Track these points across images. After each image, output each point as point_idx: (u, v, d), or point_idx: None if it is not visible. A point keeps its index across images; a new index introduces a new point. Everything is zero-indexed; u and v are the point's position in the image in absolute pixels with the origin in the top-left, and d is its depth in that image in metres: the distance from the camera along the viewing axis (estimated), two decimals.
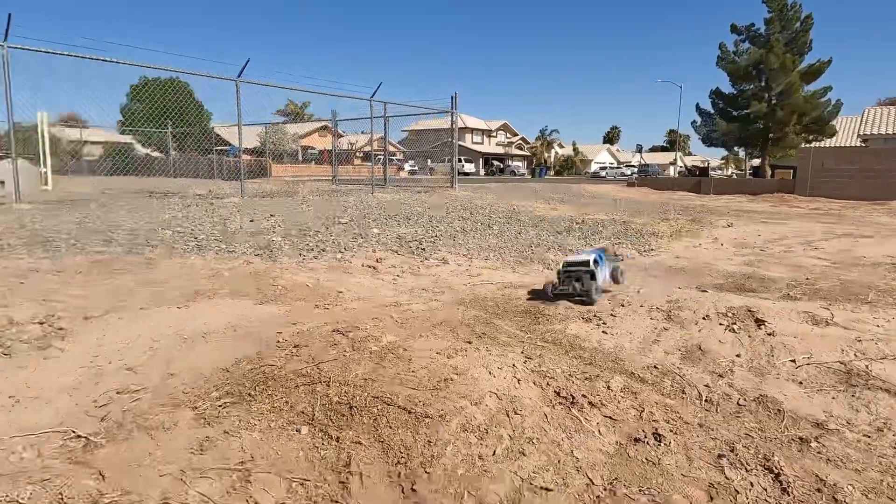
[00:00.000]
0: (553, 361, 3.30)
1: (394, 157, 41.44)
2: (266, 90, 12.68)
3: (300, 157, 40.78)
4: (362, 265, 5.62)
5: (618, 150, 78.36)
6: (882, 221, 13.98)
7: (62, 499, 2.00)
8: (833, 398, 2.93)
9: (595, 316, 4.23)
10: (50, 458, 2.27)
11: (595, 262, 4.55)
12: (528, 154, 64.01)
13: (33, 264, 4.67)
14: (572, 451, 2.36)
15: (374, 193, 13.77)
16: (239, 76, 11.35)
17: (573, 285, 4.49)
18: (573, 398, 2.76)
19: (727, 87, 31.99)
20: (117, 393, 2.74)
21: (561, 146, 66.83)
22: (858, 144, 31.11)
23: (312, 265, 5.36)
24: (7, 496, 1.97)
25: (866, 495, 2.13)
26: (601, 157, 70.23)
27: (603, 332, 3.95)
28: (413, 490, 2.11)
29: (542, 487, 2.11)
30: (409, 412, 2.47)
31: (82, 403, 2.67)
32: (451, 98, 16.17)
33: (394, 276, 5.35)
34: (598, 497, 2.11)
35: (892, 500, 2.12)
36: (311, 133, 47.57)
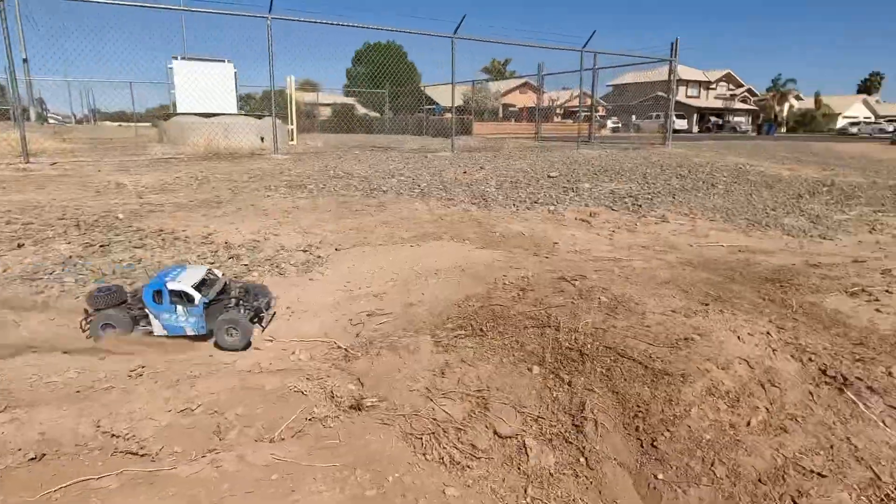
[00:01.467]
0: (811, 336, 2.85)
1: (597, 114, 39.67)
2: (474, 46, 12.88)
3: (500, 115, 41.23)
4: (575, 218, 5.48)
5: (878, 102, 63.93)
6: None
7: (332, 394, 2.32)
8: None
9: (863, 290, 3.54)
10: (320, 361, 2.65)
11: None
12: (756, 108, 55.82)
13: (294, 203, 5.47)
14: (848, 438, 2.01)
15: (579, 150, 13.33)
16: (455, 32, 11.69)
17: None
18: (845, 379, 2.35)
19: None
20: (367, 315, 3.09)
21: (799, 98, 56.90)
22: None
23: (526, 216, 5.38)
24: (293, 386, 2.36)
25: None
26: (853, 109, 58.12)
27: (876, 309, 3.29)
28: (654, 446, 2.00)
29: (811, 471, 1.84)
30: (646, 367, 2.34)
31: (340, 320, 3.06)
32: (672, 45, 14.67)
33: (609, 231, 5.11)
34: (886, 495, 1.77)
35: None
36: (512, 91, 47.69)
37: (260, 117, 12.86)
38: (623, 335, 2.56)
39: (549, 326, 2.72)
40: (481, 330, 2.79)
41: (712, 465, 1.88)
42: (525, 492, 1.89)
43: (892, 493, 1.78)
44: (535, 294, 3.11)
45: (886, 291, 3.50)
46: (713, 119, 50.63)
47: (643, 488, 1.86)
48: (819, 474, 1.82)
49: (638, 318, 2.71)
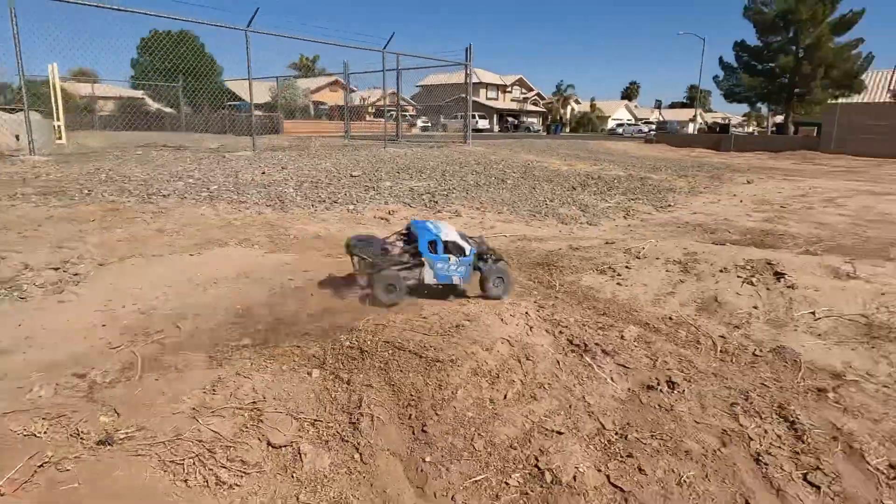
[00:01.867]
0: (566, 311, 3.27)
1: (406, 113, 40.84)
2: (277, 42, 12.39)
3: (311, 113, 40.27)
4: (374, 217, 5.57)
5: (636, 107, 76.34)
6: None
7: (77, 432, 2.03)
8: (853, 350, 2.87)
9: (610, 268, 4.17)
10: (65, 396, 2.30)
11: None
12: (544, 110, 62.65)
13: (48, 212, 4.68)
14: (584, 397, 2.35)
15: (386, 148, 13.59)
16: (248, 25, 11.08)
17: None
18: (586, 346, 2.73)
19: (752, 40, 30.75)
20: (131, 335, 2.77)
21: (577, 102, 65.29)
22: (888, 100, 30.00)
23: (324, 216, 5.32)
24: (24, 430, 2.01)
25: (883, 444, 2.10)
26: (619, 113, 68.57)
27: (617, 283, 3.90)
28: (423, 431, 2.11)
29: (552, 430, 2.10)
30: (421, 357, 2.46)
31: (97, 345, 2.70)
32: (466, 50, 15.71)
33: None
34: (609, 441, 2.10)
35: None
36: (322, 88, 46.88)
37: (13, 111, 10.77)
38: (401, 329, 2.66)
39: (332, 327, 2.72)
40: (262, 339, 2.68)
41: (472, 440, 2.04)
42: (297, 499, 1.86)
43: (614, 438, 2.12)
44: (320, 297, 3.09)
45: (626, 267, 4.16)
46: (510, 120, 55.56)
47: (412, 472, 1.96)
48: (558, 432, 2.08)
49: (416, 311, 2.84)
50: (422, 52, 16.18)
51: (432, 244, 2.86)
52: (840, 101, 28.41)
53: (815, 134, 24.62)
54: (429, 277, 2.93)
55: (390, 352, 2.50)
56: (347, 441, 2.10)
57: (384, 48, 14.38)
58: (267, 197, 5.92)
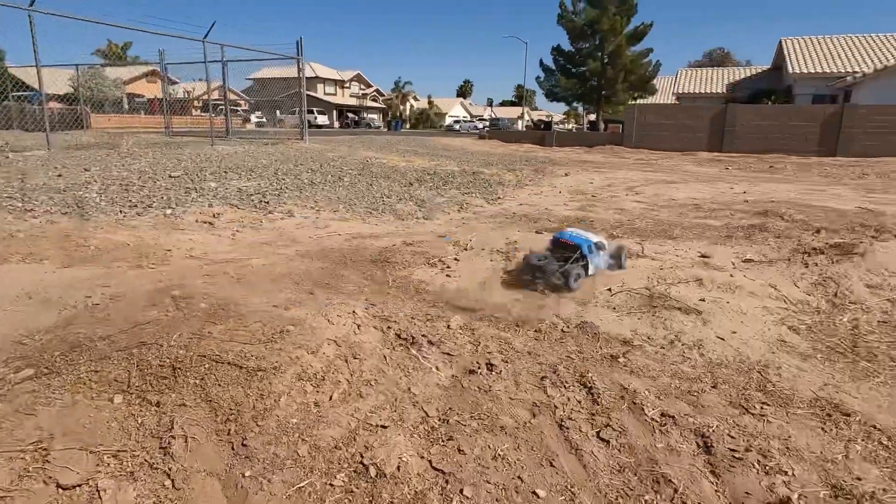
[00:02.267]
0: (397, 306, 3.34)
1: (238, 108, 38.39)
2: (77, 26, 10.81)
3: (126, 106, 35.94)
4: (196, 221, 5.16)
5: (471, 104, 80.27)
6: (690, 169, 16.06)
7: None
8: (639, 319, 3.33)
9: (440, 261, 4.34)
10: None
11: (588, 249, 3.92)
12: (384, 107, 63.07)
13: None
14: (409, 388, 2.42)
15: (213, 146, 12.63)
16: (31, 4, 9.52)
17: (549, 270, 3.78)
18: (413, 339, 2.82)
19: (567, 45, 33.98)
20: None
21: (416, 99, 66.77)
22: (673, 102, 35.18)
23: (135, 223, 4.79)
24: None
25: (658, 397, 2.47)
26: (455, 110, 71.53)
27: (447, 275, 4.08)
28: (244, 445, 2.02)
29: (378, 425, 2.14)
30: (241, 367, 2.34)
31: None
32: (297, 43, 15.18)
33: (233, 231, 4.99)
34: (432, 428, 2.20)
35: (678, 398, 2.48)
36: (139, 79, 42.18)
37: None
38: (220, 340, 2.51)
39: (139, 346, 2.47)
40: (50, 368, 2.35)
41: (296, 447, 2.00)
42: None
43: (437, 424, 2.22)
44: (124, 313, 2.78)
45: (455, 259, 4.37)
46: (351, 116, 55.00)
47: (231, 490, 1.86)
48: (383, 426, 2.13)
49: (237, 320, 2.70)
50: (251, 45, 15.28)
51: (590, 247, 3.92)
52: (638, 101, 32.67)
53: (620, 130, 27.97)
54: (592, 269, 3.91)
55: (207, 366, 2.35)
56: (157, 468, 1.93)
57: (204, 38, 13.33)
58: (63, 203, 5.17)
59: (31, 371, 2.32)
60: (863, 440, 2.15)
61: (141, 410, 2.15)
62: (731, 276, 4.02)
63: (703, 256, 4.60)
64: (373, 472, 1.92)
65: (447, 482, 1.93)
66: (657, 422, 2.30)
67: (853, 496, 1.81)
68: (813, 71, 27.00)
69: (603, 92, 33.28)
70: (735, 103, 24.83)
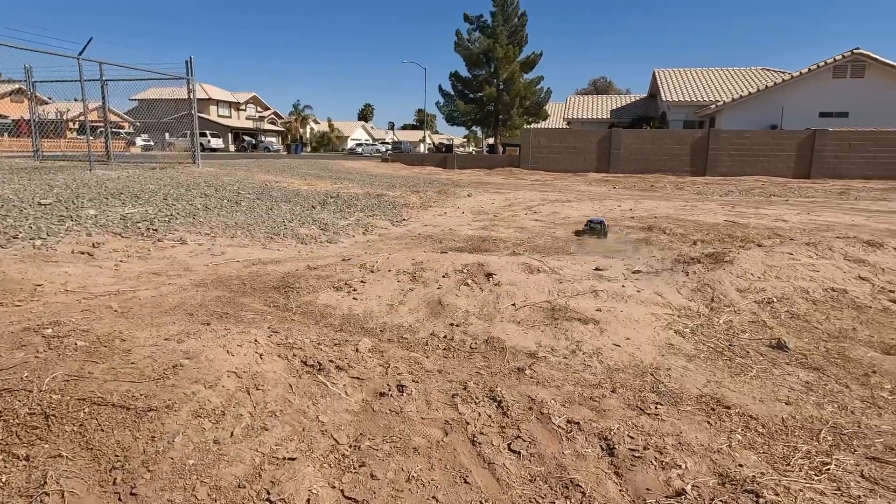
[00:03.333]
0: (301, 332, 3.23)
1: (121, 130, 35.76)
2: None
3: None
4: (73, 252, 4.69)
5: (372, 128, 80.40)
6: (582, 189, 17.11)
7: None
8: (542, 331, 3.46)
9: (346, 284, 4.26)
10: None
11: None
12: (283, 129, 61.47)
13: None
14: (318, 417, 2.33)
15: (93, 171, 11.63)
16: None
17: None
18: (320, 365, 2.73)
19: (464, 72, 35.22)
20: None
21: (316, 122, 65.80)
22: (564, 126, 37.46)
23: None
24: None
25: (564, 405, 2.57)
26: (357, 133, 71.28)
27: (353, 298, 4.01)
28: (132, 494, 1.83)
29: (285, 458, 2.04)
30: (128, 409, 2.14)
31: None
32: (186, 63, 14.46)
33: (115, 261, 4.59)
34: (343, 455, 2.13)
35: (581, 405, 2.59)
36: (2, 97, 38.05)
37: None
38: (102, 380, 2.28)
39: (2, 393, 2.18)
40: None
41: (194, 490, 1.85)
42: None
43: (348, 451, 2.15)
44: None
45: (361, 282, 4.31)
46: (247, 139, 53.06)
47: None
48: (290, 459, 2.03)
49: (123, 357, 2.47)
50: (134, 63, 14.27)
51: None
52: (532, 126, 34.42)
53: (517, 153, 29.26)
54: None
55: (87, 409, 2.12)
56: None
57: (80, 55, 12.32)
58: None
59: None
60: (742, 430, 2.37)
61: (6, 467, 1.89)
62: (623, 286, 4.30)
63: (597, 269, 4.89)
64: None
65: None
66: (563, 429, 2.38)
67: (737, 482, 1.97)
68: (683, 99, 30.00)
69: (500, 116, 34.75)
70: (618, 128, 26.88)
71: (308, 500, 1.86)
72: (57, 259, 4.44)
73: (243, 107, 58.33)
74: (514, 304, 3.87)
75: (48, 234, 5.02)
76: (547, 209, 10.89)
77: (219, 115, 53.01)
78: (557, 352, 3.19)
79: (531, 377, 2.86)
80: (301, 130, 59.61)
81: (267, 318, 3.52)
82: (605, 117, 36.52)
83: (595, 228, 7.59)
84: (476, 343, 3.31)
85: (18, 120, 33.99)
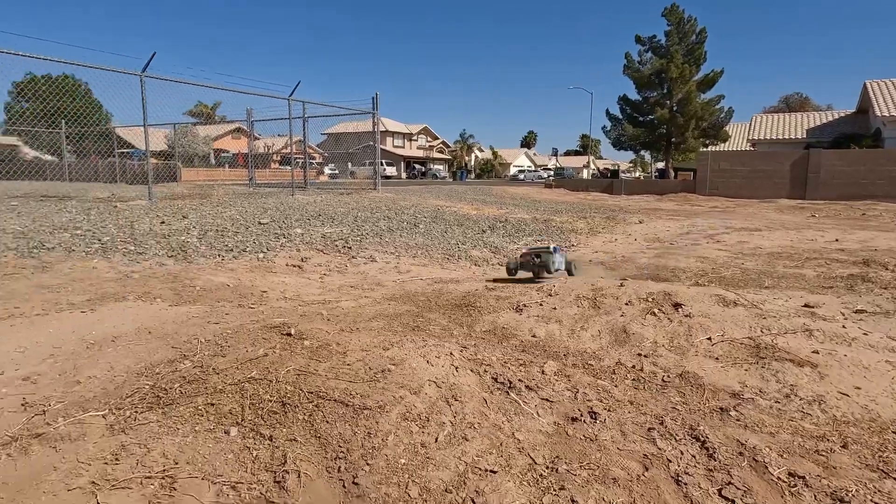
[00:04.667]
0: (487, 350, 3.32)
1: (313, 161, 40.52)
2: (172, 88, 11.94)
3: (213, 161, 38.83)
4: (287, 265, 5.40)
5: (535, 154, 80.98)
6: (772, 217, 15.33)
7: None
8: (746, 370, 3.14)
9: (525, 306, 4.30)
10: None
11: (553, 250, 5.69)
12: (449, 157, 64.73)
13: None
14: (513, 434, 2.37)
15: (294, 196, 13.34)
16: (144, 70, 10.61)
17: (534, 260, 5.55)
18: (510, 383, 2.78)
19: (633, 94, 33.98)
20: (14, 405, 2.45)
21: (480, 150, 68.18)
22: (748, 148, 34.06)
23: (232, 265, 5.08)
24: None
25: (782, 455, 2.29)
26: (519, 160, 72.32)
27: (534, 320, 4.02)
28: (355, 483, 2.02)
29: (486, 470, 2.09)
30: (347, 405, 2.38)
31: None
32: (373, 99, 16.00)
33: (320, 274, 5.18)
34: (541, 475, 2.12)
35: (803, 457, 2.28)
36: (224, 135, 45.59)
37: None
38: (325, 377, 2.56)
39: (250, 381, 2.57)
40: (169, 399, 2.47)
41: (407, 488, 1.98)
42: None
43: (545, 472, 2.14)
44: (234, 349, 2.92)
45: (540, 305, 4.32)
46: (417, 167, 56.75)
47: None
48: (491, 471, 2.08)
49: (339, 359, 2.76)
50: (328, 101, 16.28)
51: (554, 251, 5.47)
52: (710, 148, 31.87)
53: (691, 178, 27.28)
54: (557, 262, 5.48)
55: (315, 402, 2.40)
56: (273, 502, 1.97)
57: (290, 96, 14.31)
58: (168, 248, 5.57)
59: (153, 401, 2.45)
60: None
61: (255, 443, 2.21)
62: (844, 327, 3.74)
63: (807, 306, 4.32)
64: None
65: None
66: (785, 482, 2.12)
67: None
68: None
69: (672, 139, 32.79)
70: (818, 148, 23.70)
71: None
72: (276, 270, 5.14)
73: (415, 137, 62.74)
74: (709, 339, 3.57)
75: (268, 249, 5.85)
76: (732, 238, 9.94)
77: (394, 146, 57.67)
78: (767, 395, 2.86)
79: (737, 420, 2.60)
80: (466, 158, 62.24)
81: (453, 333, 3.69)
82: (799, 137, 32.42)
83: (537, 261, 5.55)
84: (668, 376, 3.11)
85: (236, 154, 40.50)
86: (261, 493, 2.00)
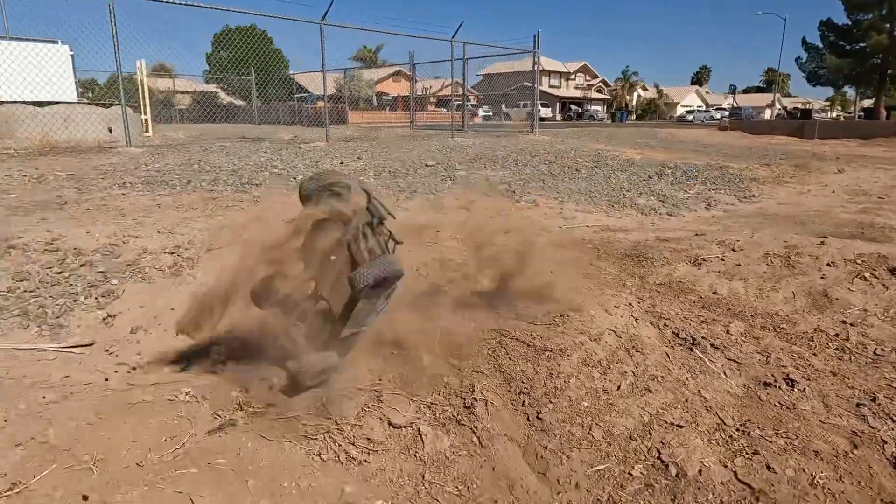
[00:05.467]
0: (665, 304, 3.20)
1: (469, 103, 40.79)
2: (341, 34, 12.62)
3: (375, 104, 40.95)
4: (455, 206, 5.62)
5: (707, 92, 72.81)
6: None
7: (240, 405, 2.19)
8: None
9: (704, 260, 4.04)
10: (200, 373, 2.48)
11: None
12: (608, 97, 60.91)
13: (154, 200, 5.01)
14: (699, 391, 2.30)
15: (454, 138, 13.64)
16: (323, 19, 11.35)
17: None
18: (693, 339, 2.68)
19: (841, 18, 28.63)
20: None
21: (644, 88, 63.04)
22: None
23: (407, 205, 5.43)
24: (169, 397, 2.18)
25: None
26: (688, 99, 65.65)
27: (715, 277, 3.77)
28: (539, 418, 2.13)
29: (671, 423, 2.08)
30: (528, 345, 2.48)
31: (219, 326, 2.88)
32: (534, 37, 15.48)
33: (487, 216, 5.32)
34: (730, 437, 2.05)
35: None
36: (385, 79, 47.53)
37: (107, 106, 11.52)
38: (506, 317, 2.69)
39: (433, 320, 2.78)
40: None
41: (590, 430, 2.05)
42: (423, 477, 1.93)
43: (735, 434, 2.07)
44: (422, 282, 3.16)
45: (721, 260, 4.02)
46: (573, 108, 54.37)
47: (531, 458, 1.99)
48: (678, 426, 2.06)
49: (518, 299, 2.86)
50: (487, 41, 16.07)
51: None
52: None
53: None
54: None
55: (497, 339, 2.54)
56: (464, 425, 2.16)
57: (452, 37, 14.38)
58: None
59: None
60: None
61: (445, 372, 2.42)
62: None
63: None
64: (673, 470, 1.87)
65: (757, 499, 1.79)
66: None
67: None
68: None
69: (888, 71, 27.37)
70: None
71: (700, 471, 1.87)
72: (445, 211, 5.38)
73: (572, 76, 59.86)
74: None
75: (436, 190, 6.12)
76: None
77: (549, 86, 55.64)
78: None
79: None
80: (627, 98, 58.10)
81: (626, 283, 3.60)
82: None
83: None
84: (882, 349, 2.76)
85: (396, 97, 42.19)
86: (452, 416, 2.20)
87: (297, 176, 6.55)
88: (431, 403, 2.25)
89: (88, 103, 12.13)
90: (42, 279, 3.23)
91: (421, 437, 2.09)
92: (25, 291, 3.09)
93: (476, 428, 2.13)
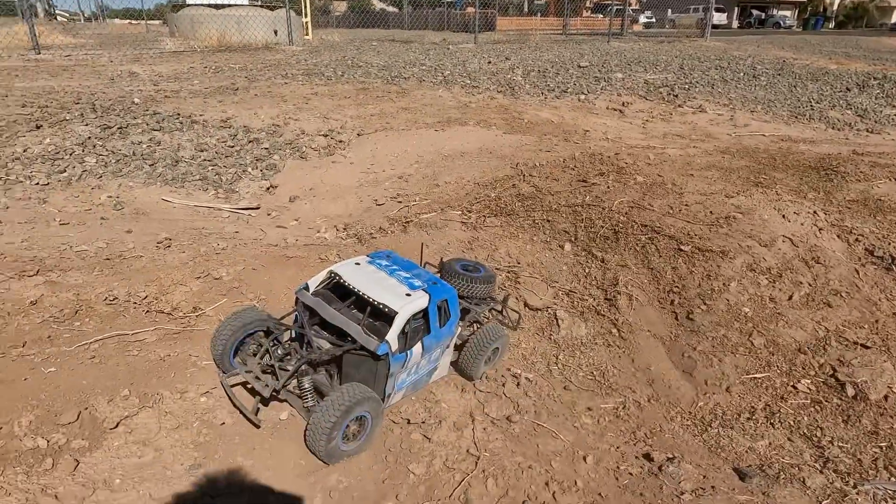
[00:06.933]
0: (857, 219, 2.71)
1: (629, 7, 36.98)
2: None
3: (525, 9, 38.67)
4: (607, 108, 5.19)
5: None
6: None
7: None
8: None
9: None
10: (344, 238, 2.61)
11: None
12: (801, 0, 51.39)
13: (312, 89, 5.25)
14: (894, 314, 1.94)
15: (610, 43, 12.50)
16: None
17: None
18: (893, 258, 2.24)
19: None
20: (392, 196, 3.00)
21: None
22: None
23: (555, 104, 5.11)
24: (320, 257, 2.33)
25: None
26: None
27: None
28: (689, 318, 1.95)
29: (854, 342, 1.79)
30: (683, 244, 2.25)
31: (365, 201, 2.99)
32: None
33: (643, 120, 4.85)
34: None
35: None
36: None
37: (273, 9, 12.14)
38: (659, 214, 2.45)
39: (582, 206, 2.62)
40: (510, 210, 2.70)
41: (750, 336, 1.84)
42: (556, 358, 1.88)
43: None
44: (563, 176, 2.98)
45: None
46: (755, 13, 46.82)
47: (676, 357, 1.84)
48: (863, 345, 1.77)
49: (676, 198, 2.58)
50: None
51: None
52: None
53: None
54: None
55: (648, 235, 2.33)
56: (604, 315, 2.05)
57: None
58: (497, 84, 5.87)
59: (496, 209, 2.72)
60: None
61: (587, 261, 2.29)
62: None
63: None
64: (850, 391, 1.62)
65: None
66: None
67: None
68: None
69: None
70: None
71: (885, 397, 1.60)
72: (596, 112, 5.00)
73: None
74: None
75: (588, 91, 5.68)
76: None
77: None
78: None
79: None
80: (826, 1, 48.55)
81: (807, 196, 3.10)
82: None
83: None
84: None
85: (548, 1, 39.37)
86: (592, 306, 2.10)
87: (444, 73, 6.45)
88: (570, 291, 2.16)
89: (259, 5, 12.86)
90: (218, 151, 3.57)
91: (557, 322, 2.03)
92: (205, 160, 3.44)
93: (617, 320, 2.01)
